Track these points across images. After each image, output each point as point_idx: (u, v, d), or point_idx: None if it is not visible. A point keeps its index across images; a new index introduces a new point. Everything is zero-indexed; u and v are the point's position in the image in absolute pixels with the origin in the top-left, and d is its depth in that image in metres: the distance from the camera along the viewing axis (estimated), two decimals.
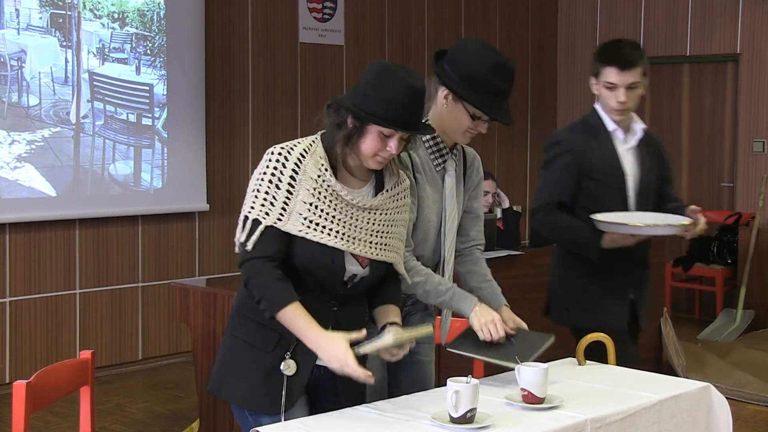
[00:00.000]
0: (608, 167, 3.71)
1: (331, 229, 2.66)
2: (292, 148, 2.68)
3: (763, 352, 6.62)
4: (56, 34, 6.27)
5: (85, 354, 2.98)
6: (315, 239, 2.64)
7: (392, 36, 8.12)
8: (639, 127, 3.79)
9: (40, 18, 6.20)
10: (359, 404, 2.73)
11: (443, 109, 3.05)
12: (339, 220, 2.68)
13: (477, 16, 8.73)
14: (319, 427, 2.51)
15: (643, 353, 6.03)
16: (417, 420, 2.56)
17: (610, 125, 3.73)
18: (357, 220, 2.71)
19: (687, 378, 5.05)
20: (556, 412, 2.66)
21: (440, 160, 3.11)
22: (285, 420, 2.64)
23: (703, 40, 8.51)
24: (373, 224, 2.74)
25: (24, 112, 6.16)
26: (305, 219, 2.64)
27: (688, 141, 8.75)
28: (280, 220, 2.64)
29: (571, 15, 9.36)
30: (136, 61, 6.65)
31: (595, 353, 3.25)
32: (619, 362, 3.24)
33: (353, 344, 2.62)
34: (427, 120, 3.10)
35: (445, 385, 2.55)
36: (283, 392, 2.67)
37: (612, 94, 3.65)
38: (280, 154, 2.67)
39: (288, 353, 2.68)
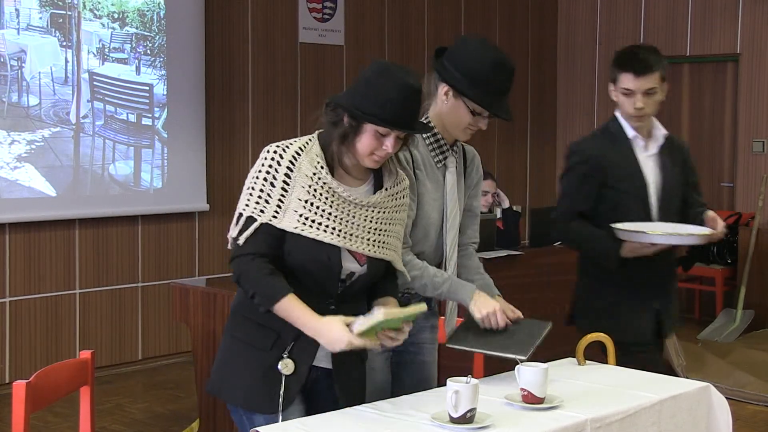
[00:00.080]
0: (628, 175, 3.67)
1: (327, 226, 2.66)
2: (287, 146, 2.69)
3: (763, 352, 6.62)
4: (56, 34, 6.27)
5: (85, 354, 2.98)
6: (311, 236, 2.64)
7: (392, 36, 8.12)
8: (661, 133, 3.74)
9: (40, 18, 6.20)
10: (358, 405, 2.73)
11: (443, 105, 3.06)
12: (335, 217, 2.68)
13: (477, 15, 8.73)
14: (319, 427, 2.51)
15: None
16: (417, 420, 2.56)
17: (630, 132, 3.69)
18: (354, 217, 2.71)
19: (687, 378, 5.05)
20: (556, 412, 2.66)
21: (441, 157, 3.12)
22: (281, 419, 2.64)
23: (703, 40, 8.51)
24: (371, 222, 2.74)
25: (24, 112, 6.16)
26: (300, 216, 2.64)
27: (688, 141, 8.67)
28: (275, 217, 2.64)
29: (571, 14, 9.36)
30: (136, 61, 6.65)
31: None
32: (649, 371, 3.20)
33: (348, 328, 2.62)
34: (427, 117, 3.11)
35: (444, 385, 2.55)
36: (281, 391, 2.66)
37: (629, 100, 3.61)
38: (275, 152, 2.68)
39: (285, 352, 2.68)
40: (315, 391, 2.77)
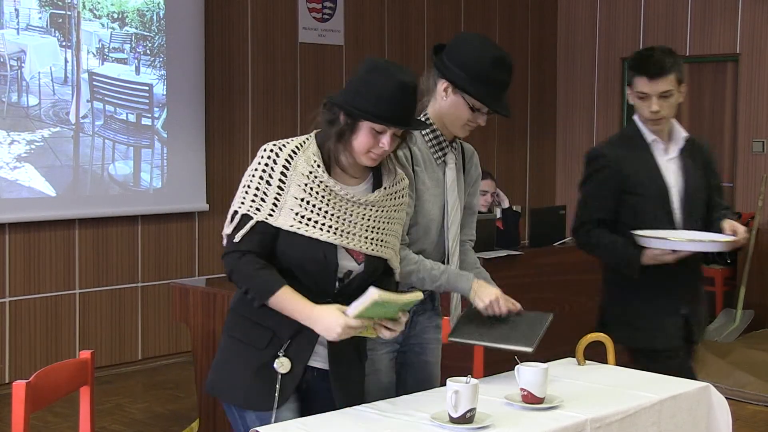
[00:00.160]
0: (649, 180, 3.60)
1: (323, 224, 2.66)
2: (284, 145, 2.69)
3: (763, 352, 6.62)
4: (56, 34, 6.27)
5: (85, 354, 2.98)
6: (307, 234, 2.64)
7: (392, 36, 8.12)
8: (681, 135, 3.68)
9: (40, 18, 6.19)
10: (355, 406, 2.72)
11: (443, 102, 3.07)
12: (332, 215, 2.67)
13: (477, 14, 8.73)
14: (319, 427, 2.51)
15: None
16: (417, 420, 2.56)
17: (649, 136, 3.63)
18: (351, 215, 2.70)
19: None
20: (556, 412, 2.66)
21: (440, 154, 3.12)
22: (275, 418, 2.64)
23: (702, 39, 8.51)
24: (369, 220, 2.73)
25: (24, 112, 6.16)
26: (296, 214, 2.64)
27: None
28: (271, 215, 2.64)
29: (571, 13, 9.36)
30: (136, 61, 6.65)
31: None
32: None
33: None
34: (425, 114, 3.11)
35: (444, 385, 2.55)
36: (276, 389, 2.66)
37: (645, 103, 3.56)
38: (271, 150, 2.68)
39: (281, 351, 2.68)
40: (311, 392, 2.76)
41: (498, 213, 6.34)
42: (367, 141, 2.66)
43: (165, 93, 6.77)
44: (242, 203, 2.67)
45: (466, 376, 2.56)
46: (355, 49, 7.81)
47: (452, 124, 3.09)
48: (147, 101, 6.72)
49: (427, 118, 3.11)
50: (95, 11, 6.44)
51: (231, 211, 2.70)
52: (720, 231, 3.58)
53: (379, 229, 2.76)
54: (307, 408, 2.73)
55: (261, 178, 2.66)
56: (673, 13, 8.65)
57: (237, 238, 2.64)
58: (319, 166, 2.67)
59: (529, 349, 2.96)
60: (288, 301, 2.63)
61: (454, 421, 2.50)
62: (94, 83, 6.45)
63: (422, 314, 3.18)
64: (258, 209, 2.65)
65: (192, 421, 5.26)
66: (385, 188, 2.78)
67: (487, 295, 3.05)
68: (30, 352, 6.25)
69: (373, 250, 2.74)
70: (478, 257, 3.35)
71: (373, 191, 2.77)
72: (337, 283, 2.72)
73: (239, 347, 2.74)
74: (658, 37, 8.68)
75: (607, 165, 3.63)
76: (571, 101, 9.41)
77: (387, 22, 8.10)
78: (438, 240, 3.14)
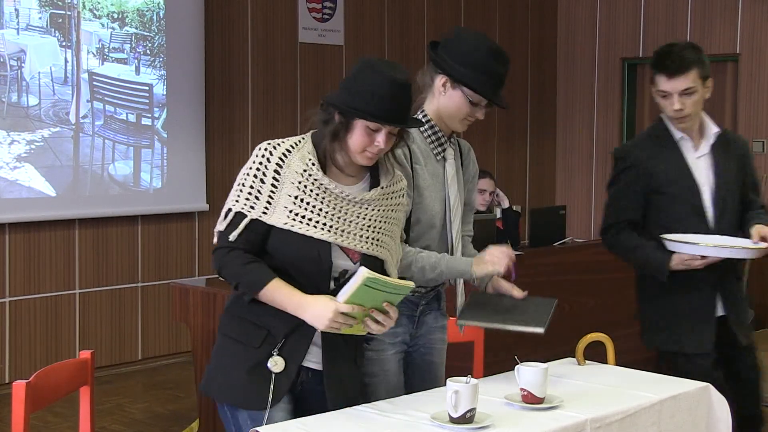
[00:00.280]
0: (677, 179, 3.51)
1: (317, 222, 2.65)
2: (278, 144, 2.70)
3: (763, 352, 6.61)
4: (56, 34, 6.27)
5: (85, 354, 2.98)
6: (300, 231, 2.64)
7: (392, 36, 8.11)
8: (713, 131, 3.58)
9: (40, 18, 6.19)
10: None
11: (441, 97, 3.08)
12: (327, 213, 2.67)
13: (477, 15, 8.73)
14: (320, 427, 2.51)
15: (643, 353, 6.05)
16: (417, 420, 2.56)
17: (677, 134, 3.54)
18: (347, 213, 2.70)
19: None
20: (556, 412, 2.66)
21: (440, 149, 3.13)
22: (268, 418, 2.63)
23: (702, 39, 8.50)
24: (364, 219, 2.73)
25: (24, 112, 6.16)
26: (290, 212, 2.64)
27: None
28: (265, 213, 2.65)
29: (571, 13, 9.36)
30: (136, 61, 6.65)
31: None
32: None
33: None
34: (423, 111, 3.12)
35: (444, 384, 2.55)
36: (270, 388, 2.65)
37: (667, 102, 3.48)
38: (266, 149, 2.69)
39: (275, 350, 2.67)
40: (305, 393, 2.75)
41: (498, 213, 6.34)
42: (362, 140, 2.66)
43: (165, 93, 6.77)
44: (236, 201, 2.68)
45: (466, 376, 2.56)
46: (355, 49, 7.81)
47: (451, 119, 3.10)
48: (147, 101, 6.72)
49: (425, 115, 3.12)
50: (95, 11, 6.44)
51: (225, 209, 2.71)
52: (749, 236, 3.47)
53: (375, 228, 2.75)
54: (301, 409, 2.71)
55: (255, 176, 2.67)
56: (673, 13, 8.65)
57: (232, 237, 2.65)
58: (314, 164, 2.67)
59: (540, 330, 2.97)
60: (278, 292, 2.62)
61: (454, 421, 2.50)
62: (94, 83, 6.45)
63: (428, 314, 3.18)
64: (252, 207, 2.65)
65: (192, 421, 5.26)
66: (381, 188, 2.78)
67: (489, 255, 3.02)
68: (30, 352, 6.25)
69: (368, 248, 2.73)
70: None
71: (369, 191, 2.77)
72: (332, 283, 2.70)
73: (234, 346, 2.73)
74: (658, 37, 8.68)
75: (633, 165, 3.56)
76: (571, 101, 9.41)
77: (387, 22, 8.10)
78: (441, 235, 3.14)
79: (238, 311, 2.74)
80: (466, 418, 2.49)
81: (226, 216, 2.69)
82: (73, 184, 6.38)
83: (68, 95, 6.33)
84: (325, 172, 2.70)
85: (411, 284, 2.64)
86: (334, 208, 2.68)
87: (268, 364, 2.66)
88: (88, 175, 6.45)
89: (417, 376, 3.17)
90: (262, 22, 7.32)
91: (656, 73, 3.48)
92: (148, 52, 6.71)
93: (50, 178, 6.26)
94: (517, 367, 2.73)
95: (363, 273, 2.52)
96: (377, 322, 2.62)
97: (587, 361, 3.22)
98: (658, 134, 3.58)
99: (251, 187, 2.67)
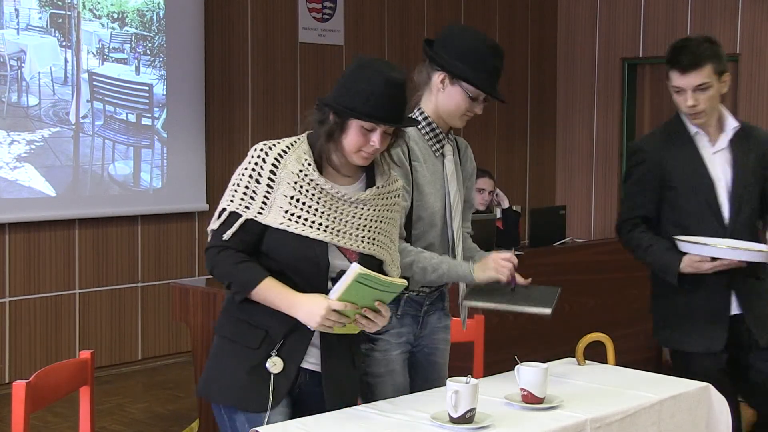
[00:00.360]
0: (690, 174, 3.43)
1: (313, 222, 2.64)
2: (274, 145, 2.69)
3: None
4: (56, 34, 6.27)
5: (85, 354, 2.98)
6: (296, 231, 2.63)
7: (392, 36, 8.12)
8: (731, 125, 3.48)
9: (40, 18, 6.19)
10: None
11: (439, 93, 3.09)
12: (323, 213, 2.66)
13: (477, 15, 8.73)
14: (319, 427, 2.51)
15: (643, 353, 6.06)
16: (417, 420, 2.56)
17: (692, 129, 3.46)
18: (343, 213, 2.69)
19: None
20: (556, 412, 2.66)
21: (438, 146, 3.14)
22: (267, 420, 2.61)
23: None
24: (361, 218, 2.72)
25: (24, 112, 6.16)
26: (286, 212, 2.63)
27: None
28: (260, 213, 2.64)
29: (571, 13, 9.36)
30: (136, 61, 6.65)
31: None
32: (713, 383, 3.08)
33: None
34: (420, 108, 3.13)
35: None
36: (270, 390, 2.64)
37: (681, 98, 3.40)
38: (261, 150, 2.68)
39: (274, 351, 2.66)
40: (303, 395, 2.73)
41: (498, 213, 6.33)
42: (357, 139, 2.65)
43: (165, 93, 6.77)
44: (231, 201, 2.67)
45: (466, 376, 2.56)
46: (355, 49, 7.81)
47: (450, 115, 3.11)
48: (147, 101, 6.72)
49: (422, 112, 3.13)
50: (95, 11, 6.44)
51: (219, 208, 2.70)
52: (764, 240, 3.42)
53: (371, 228, 2.74)
54: (299, 412, 2.70)
55: (250, 176, 2.66)
56: (673, 13, 8.65)
57: (226, 236, 2.64)
58: (310, 164, 2.66)
59: (547, 311, 2.97)
60: (270, 291, 2.61)
61: (454, 421, 2.49)
62: (94, 83, 6.45)
63: (432, 314, 3.18)
64: (247, 207, 2.65)
65: (192, 421, 5.26)
66: (377, 187, 2.77)
67: (493, 261, 3.04)
68: (30, 352, 6.25)
69: (365, 248, 2.72)
70: None
71: (365, 191, 2.76)
72: (329, 283, 2.68)
73: (232, 347, 2.72)
74: (658, 37, 8.68)
75: (645, 160, 3.50)
76: (571, 101, 9.41)
77: (387, 22, 8.10)
78: (443, 232, 3.14)
79: (235, 312, 2.72)
80: (466, 418, 2.49)
81: (219, 215, 2.69)
82: (73, 184, 6.38)
83: (68, 95, 6.33)
84: (321, 172, 2.69)
85: (403, 282, 2.64)
86: (330, 208, 2.68)
87: (267, 365, 2.65)
88: (88, 175, 6.45)
89: (420, 377, 3.16)
90: (262, 22, 7.32)
91: (669, 69, 3.40)
92: (148, 52, 6.71)
93: (50, 178, 6.26)
94: (517, 367, 2.72)
95: (355, 269, 2.51)
96: (370, 320, 2.62)
97: (587, 361, 3.22)
98: (673, 129, 3.51)
99: (246, 187, 2.66)
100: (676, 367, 3.53)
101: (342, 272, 2.65)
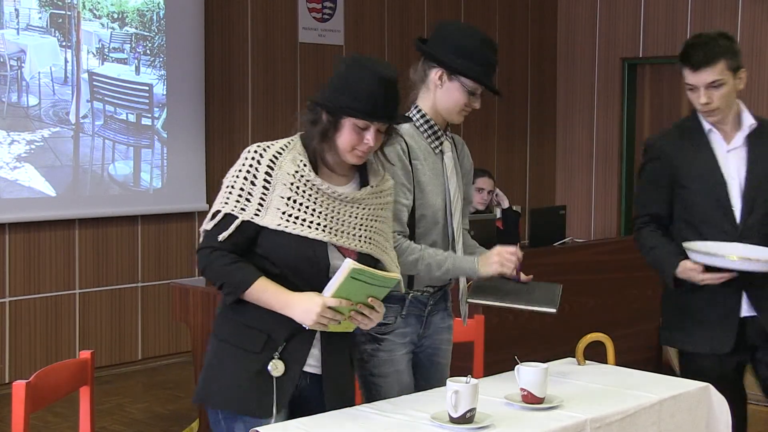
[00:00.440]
0: (701, 173, 3.35)
1: (312, 222, 2.64)
2: (268, 146, 2.68)
3: None
4: (56, 34, 6.27)
5: (85, 354, 2.98)
6: (295, 232, 2.62)
7: (392, 36, 8.12)
8: (748, 123, 3.38)
9: (40, 18, 6.19)
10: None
11: (437, 90, 3.10)
12: (320, 213, 2.66)
13: (477, 15, 8.73)
14: (319, 427, 2.51)
15: (643, 353, 6.06)
16: (417, 420, 2.56)
17: (706, 126, 3.38)
18: (340, 213, 2.69)
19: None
20: (556, 412, 2.66)
21: (437, 143, 3.15)
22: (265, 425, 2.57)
23: None
24: (357, 218, 2.72)
25: (24, 112, 6.16)
26: (283, 213, 2.62)
27: None
28: (257, 215, 2.62)
29: (571, 13, 9.36)
30: (136, 61, 6.65)
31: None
32: (718, 387, 3.03)
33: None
34: (417, 106, 3.14)
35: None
36: (274, 394, 2.61)
37: (694, 95, 3.33)
38: (255, 152, 2.67)
39: (276, 354, 2.64)
40: (302, 398, 2.71)
41: (498, 213, 6.33)
42: (350, 138, 2.65)
43: (165, 93, 6.77)
44: (225, 203, 2.65)
45: (466, 376, 2.56)
46: (355, 49, 7.81)
47: (449, 111, 3.12)
48: (147, 101, 6.72)
49: (419, 110, 3.14)
50: (95, 11, 6.44)
51: (212, 210, 2.67)
52: None
53: (368, 227, 2.74)
54: (298, 415, 2.67)
55: (245, 178, 2.64)
56: (673, 13, 8.65)
57: (222, 237, 2.61)
58: (305, 165, 2.66)
59: (553, 310, 2.98)
60: (264, 291, 2.60)
61: (454, 421, 2.49)
62: (94, 83, 6.45)
63: (435, 314, 3.18)
64: (243, 209, 2.63)
65: (192, 421, 5.26)
66: (371, 187, 2.77)
67: (497, 255, 3.04)
68: (30, 352, 6.25)
69: (363, 247, 2.72)
70: None
71: (360, 190, 2.76)
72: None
73: (232, 351, 2.69)
74: (658, 37, 8.69)
75: (657, 156, 3.45)
76: (571, 101, 9.41)
77: (387, 22, 8.10)
78: (445, 229, 3.15)
79: (234, 315, 2.69)
80: (466, 418, 2.49)
81: (213, 217, 2.66)
82: (73, 184, 6.38)
83: (68, 95, 6.33)
84: (316, 172, 2.68)
85: (397, 276, 2.64)
86: (327, 208, 2.67)
87: (269, 368, 2.63)
88: (88, 175, 6.44)
89: (422, 377, 3.17)
90: (262, 22, 7.32)
91: (682, 66, 3.35)
92: (148, 52, 6.71)
93: (50, 178, 6.26)
94: (517, 367, 2.72)
95: (349, 264, 2.51)
96: (365, 316, 2.61)
97: (587, 361, 3.22)
98: (688, 126, 3.44)
99: (241, 189, 2.64)
100: (682, 368, 3.51)
101: None
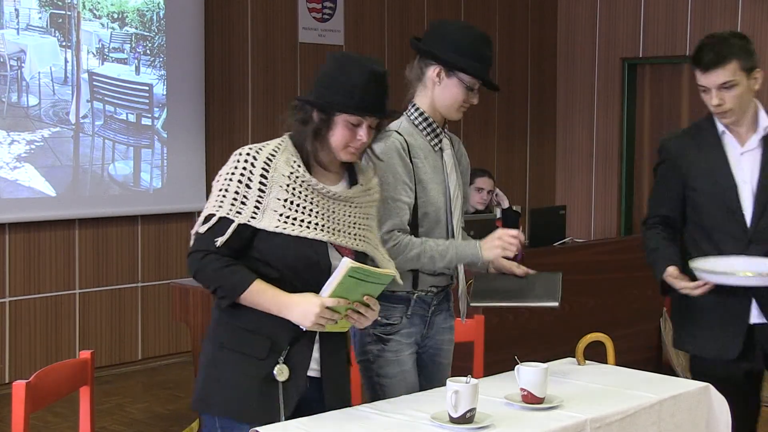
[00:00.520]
0: (711, 175, 3.27)
1: (310, 222, 2.63)
2: (260, 149, 2.65)
3: None
4: (56, 34, 6.27)
5: (85, 354, 2.98)
6: (294, 233, 2.60)
7: (392, 36, 8.11)
8: (763, 125, 3.29)
9: (40, 18, 6.19)
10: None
11: (435, 87, 3.11)
12: (318, 212, 2.65)
13: (477, 15, 8.73)
14: (319, 427, 2.51)
15: (642, 353, 6.06)
16: (417, 420, 2.56)
17: (719, 127, 3.30)
18: (336, 212, 2.69)
19: (687, 378, 5.05)
20: (556, 412, 2.66)
21: (437, 140, 3.16)
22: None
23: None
24: (350, 216, 2.72)
25: (24, 112, 6.16)
26: (281, 215, 2.60)
27: None
28: (254, 217, 2.59)
29: (571, 13, 9.36)
30: (136, 61, 6.65)
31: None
32: (728, 392, 3.01)
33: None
34: (414, 105, 3.15)
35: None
36: (281, 400, 2.60)
37: (707, 96, 3.24)
38: (248, 154, 2.63)
39: (281, 358, 2.62)
40: (302, 402, 2.67)
41: (498, 213, 6.33)
42: (344, 135, 2.65)
43: (165, 93, 6.77)
44: (220, 206, 2.60)
45: (466, 376, 2.56)
46: (355, 48, 7.80)
47: (448, 108, 3.13)
48: (147, 101, 6.72)
49: (417, 108, 3.15)
50: (95, 11, 6.44)
51: (205, 214, 2.62)
52: None
53: (361, 225, 2.75)
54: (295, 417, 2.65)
55: (240, 181, 2.60)
56: (673, 13, 8.65)
57: (219, 242, 2.57)
58: (299, 166, 2.64)
59: (555, 304, 2.98)
60: (261, 293, 2.58)
61: (454, 421, 2.49)
62: (94, 83, 6.45)
63: (438, 315, 3.18)
64: (239, 212, 2.59)
65: (192, 421, 5.26)
66: (361, 185, 2.77)
67: (497, 238, 3.04)
68: (30, 352, 6.25)
69: (358, 245, 2.72)
70: None
71: (350, 188, 2.76)
72: None
73: (233, 358, 2.65)
74: (658, 37, 8.68)
75: (667, 158, 3.39)
76: (571, 101, 9.41)
77: (387, 22, 8.10)
78: (447, 227, 3.16)
79: (234, 320, 2.66)
80: (466, 418, 2.49)
81: (206, 220, 2.61)
82: (73, 184, 6.38)
83: (68, 95, 6.33)
84: (310, 173, 2.67)
85: (392, 272, 2.62)
86: (323, 208, 2.66)
87: (274, 373, 2.60)
88: (88, 175, 6.44)
89: (424, 377, 3.17)
90: (262, 22, 7.32)
91: (693, 68, 3.25)
92: (148, 52, 6.71)
93: (50, 178, 6.26)
94: (517, 367, 2.72)
95: (346, 263, 2.51)
96: (361, 314, 2.60)
97: (587, 361, 3.22)
98: (701, 127, 3.36)
99: (236, 192, 2.60)
100: (692, 372, 3.45)
101: None
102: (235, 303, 2.61)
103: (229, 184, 2.62)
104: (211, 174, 6.98)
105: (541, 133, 9.42)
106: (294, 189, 2.62)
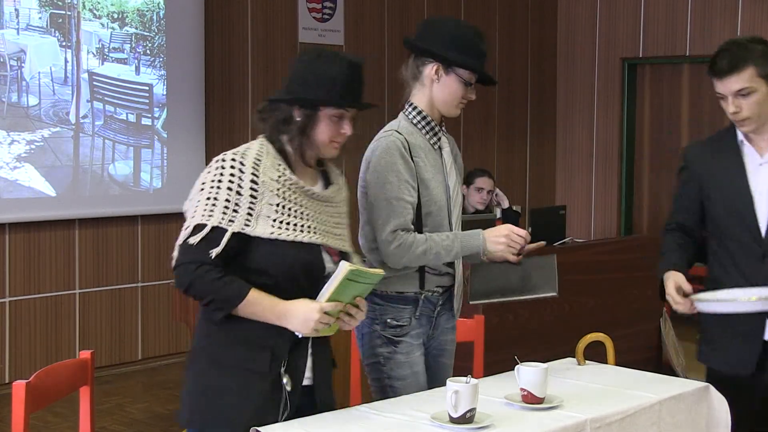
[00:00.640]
0: (727, 186, 3.18)
1: (303, 225, 2.61)
2: (244, 154, 2.59)
3: None
4: (56, 34, 6.27)
5: (85, 354, 2.98)
6: (289, 239, 2.57)
7: (392, 36, 8.11)
8: None
9: (40, 18, 6.19)
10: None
11: (434, 85, 3.12)
12: (308, 215, 2.63)
13: (477, 15, 8.73)
14: (319, 427, 2.51)
15: (642, 353, 6.06)
16: (417, 420, 2.56)
17: (739, 136, 3.20)
18: (322, 213, 2.69)
19: (687, 378, 5.04)
20: (556, 412, 2.66)
21: (435, 139, 3.17)
22: None
23: (702, 39, 8.51)
24: (332, 216, 2.72)
25: (23, 112, 6.16)
26: (274, 221, 2.56)
27: (688, 141, 8.75)
28: (247, 225, 2.53)
29: (571, 13, 9.36)
30: (136, 61, 6.65)
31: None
32: (735, 410, 2.97)
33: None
34: (411, 104, 3.16)
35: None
36: (285, 411, 2.57)
37: (724, 104, 3.15)
38: (233, 160, 2.56)
39: (282, 368, 2.57)
40: (298, 410, 2.63)
41: (498, 213, 6.34)
42: (328, 130, 2.64)
43: (165, 93, 6.77)
44: (210, 215, 2.52)
45: (466, 376, 2.56)
46: (355, 49, 7.80)
47: (447, 105, 3.13)
48: (147, 101, 6.72)
49: (415, 107, 3.15)
50: (95, 11, 6.44)
51: (194, 223, 2.53)
52: None
53: (339, 224, 2.75)
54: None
55: (229, 189, 2.53)
56: (673, 13, 8.65)
57: (214, 252, 2.49)
58: (285, 169, 2.62)
59: (554, 293, 2.97)
60: (257, 302, 2.51)
61: (454, 421, 2.49)
62: (94, 83, 6.45)
63: (442, 315, 3.18)
64: (231, 221, 2.52)
65: None
66: (337, 184, 2.78)
67: (500, 233, 3.06)
68: (30, 352, 6.25)
69: (343, 246, 2.73)
70: None
71: (326, 188, 2.76)
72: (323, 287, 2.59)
73: (233, 372, 2.57)
74: (658, 37, 8.68)
75: (687, 165, 3.33)
76: (571, 101, 9.41)
77: (387, 22, 8.10)
78: (449, 226, 3.16)
79: (228, 333, 2.57)
80: (466, 418, 2.49)
81: (196, 230, 2.52)
82: (73, 184, 6.38)
83: (68, 95, 6.33)
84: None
85: (381, 272, 2.60)
86: (312, 210, 2.65)
87: (284, 382, 2.56)
88: (88, 175, 6.45)
89: (428, 377, 3.16)
90: (262, 22, 7.32)
91: (710, 75, 3.18)
92: (148, 52, 6.71)
93: (50, 178, 6.26)
94: (517, 367, 2.72)
95: (345, 267, 2.50)
96: (351, 316, 2.59)
97: (587, 361, 3.22)
98: (722, 135, 3.28)
99: (227, 200, 2.52)
100: (711, 382, 3.40)
101: (329, 275, 2.59)
102: (229, 315, 2.54)
103: (218, 193, 2.53)
104: None
105: (541, 133, 9.42)
106: (284, 192, 2.59)
